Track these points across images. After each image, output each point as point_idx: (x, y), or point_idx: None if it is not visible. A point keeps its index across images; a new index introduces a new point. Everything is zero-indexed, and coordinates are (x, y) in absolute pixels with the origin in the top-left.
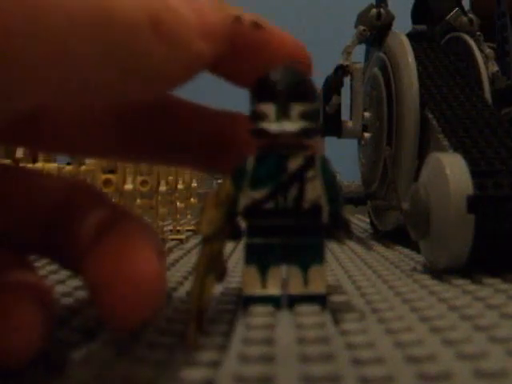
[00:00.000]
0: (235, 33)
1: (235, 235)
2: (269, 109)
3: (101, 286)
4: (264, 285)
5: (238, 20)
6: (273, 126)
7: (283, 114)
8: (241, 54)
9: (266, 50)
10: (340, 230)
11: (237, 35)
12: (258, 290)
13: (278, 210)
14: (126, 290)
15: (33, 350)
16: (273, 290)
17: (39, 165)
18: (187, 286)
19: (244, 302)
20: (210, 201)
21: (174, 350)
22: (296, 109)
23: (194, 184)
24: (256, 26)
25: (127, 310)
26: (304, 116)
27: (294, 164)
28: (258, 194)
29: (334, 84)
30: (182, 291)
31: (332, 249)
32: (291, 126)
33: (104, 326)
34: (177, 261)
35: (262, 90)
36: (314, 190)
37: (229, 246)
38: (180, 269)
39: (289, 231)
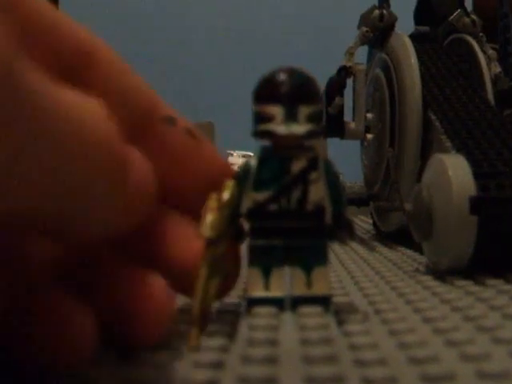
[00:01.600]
0: (166, 133)
1: (238, 237)
2: (275, 110)
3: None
4: (267, 286)
5: (172, 121)
6: (281, 129)
7: (291, 117)
8: (172, 160)
9: (198, 159)
10: (343, 230)
11: (169, 137)
12: (261, 292)
13: (282, 211)
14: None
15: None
16: (276, 291)
17: None
18: None
19: (247, 303)
20: (211, 204)
21: (176, 352)
22: (303, 111)
23: None
24: (189, 133)
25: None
26: (310, 118)
27: (297, 166)
28: (261, 195)
29: (336, 85)
30: None
31: (335, 250)
32: (299, 128)
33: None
34: None
35: (267, 91)
36: (318, 192)
37: None
38: None
39: (292, 233)
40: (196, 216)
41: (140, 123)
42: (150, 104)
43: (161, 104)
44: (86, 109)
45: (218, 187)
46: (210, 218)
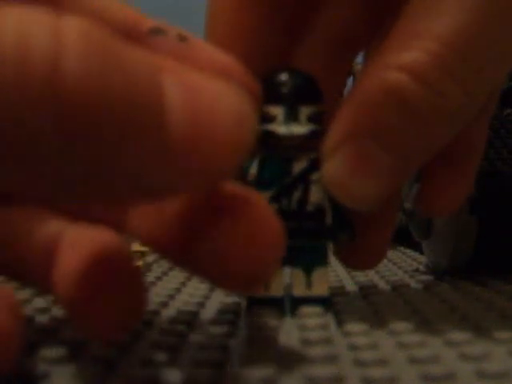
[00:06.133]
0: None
1: None
2: (276, 111)
3: None
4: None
5: (160, 31)
6: (281, 129)
7: (292, 117)
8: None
9: (193, 62)
10: (343, 231)
11: (161, 47)
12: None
13: (282, 212)
14: None
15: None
16: (276, 292)
17: None
18: (189, 287)
19: (247, 303)
20: None
21: (177, 351)
22: (304, 111)
23: None
24: (182, 38)
25: None
26: (312, 119)
27: (298, 166)
28: (262, 196)
29: None
30: (184, 293)
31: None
32: (300, 129)
33: None
34: None
35: (268, 91)
36: (319, 193)
37: None
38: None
39: (292, 233)
40: None
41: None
42: (131, 19)
43: (143, 18)
44: None
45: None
46: None
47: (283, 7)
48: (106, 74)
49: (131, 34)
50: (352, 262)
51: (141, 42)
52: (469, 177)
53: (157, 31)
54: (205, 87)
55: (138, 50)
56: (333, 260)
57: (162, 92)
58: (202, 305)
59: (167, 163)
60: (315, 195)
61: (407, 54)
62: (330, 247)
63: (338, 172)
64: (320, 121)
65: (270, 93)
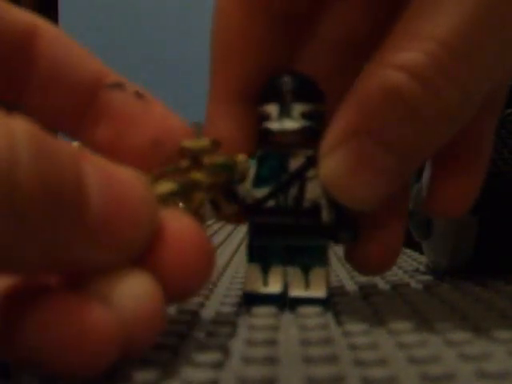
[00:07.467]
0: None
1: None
2: (272, 109)
3: None
4: (265, 283)
5: (120, 86)
6: (275, 125)
7: (285, 114)
8: (122, 123)
9: (149, 123)
10: (344, 230)
11: (117, 102)
12: (259, 288)
13: (279, 208)
14: None
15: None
16: (274, 288)
17: None
18: None
19: (245, 299)
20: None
21: (177, 351)
22: (298, 109)
23: None
24: (138, 95)
25: None
26: (306, 116)
27: (295, 163)
28: (260, 192)
29: None
30: None
31: (335, 250)
32: (292, 124)
33: None
34: None
35: (267, 92)
36: (315, 190)
37: (230, 249)
38: None
39: (290, 230)
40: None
41: (87, 92)
42: (96, 73)
43: (107, 72)
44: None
45: (168, 145)
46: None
47: (289, 11)
48: (49, 172)
49: (95, 86)
50: (364, 266)
51: (100, 95)
52: (478, 177)
53: (116, 86)
54: (118, 175)
55: (62, 142)
56: (333, 260)
57: (83, 180)
58: (202, 305)
59: (85, 239)
60: (311, 192)
61: (406, 54)
62: (331, 248)
63: (336, 171)
64: (317, 119)
65: (268, 93)
